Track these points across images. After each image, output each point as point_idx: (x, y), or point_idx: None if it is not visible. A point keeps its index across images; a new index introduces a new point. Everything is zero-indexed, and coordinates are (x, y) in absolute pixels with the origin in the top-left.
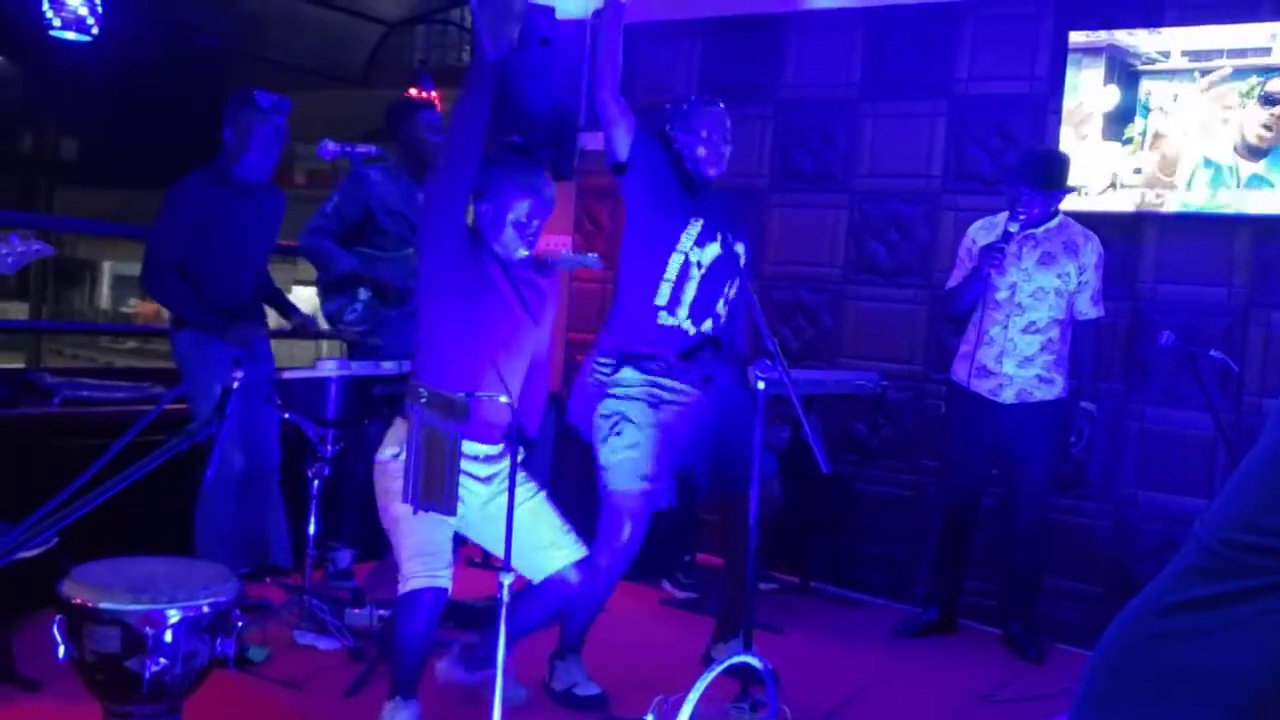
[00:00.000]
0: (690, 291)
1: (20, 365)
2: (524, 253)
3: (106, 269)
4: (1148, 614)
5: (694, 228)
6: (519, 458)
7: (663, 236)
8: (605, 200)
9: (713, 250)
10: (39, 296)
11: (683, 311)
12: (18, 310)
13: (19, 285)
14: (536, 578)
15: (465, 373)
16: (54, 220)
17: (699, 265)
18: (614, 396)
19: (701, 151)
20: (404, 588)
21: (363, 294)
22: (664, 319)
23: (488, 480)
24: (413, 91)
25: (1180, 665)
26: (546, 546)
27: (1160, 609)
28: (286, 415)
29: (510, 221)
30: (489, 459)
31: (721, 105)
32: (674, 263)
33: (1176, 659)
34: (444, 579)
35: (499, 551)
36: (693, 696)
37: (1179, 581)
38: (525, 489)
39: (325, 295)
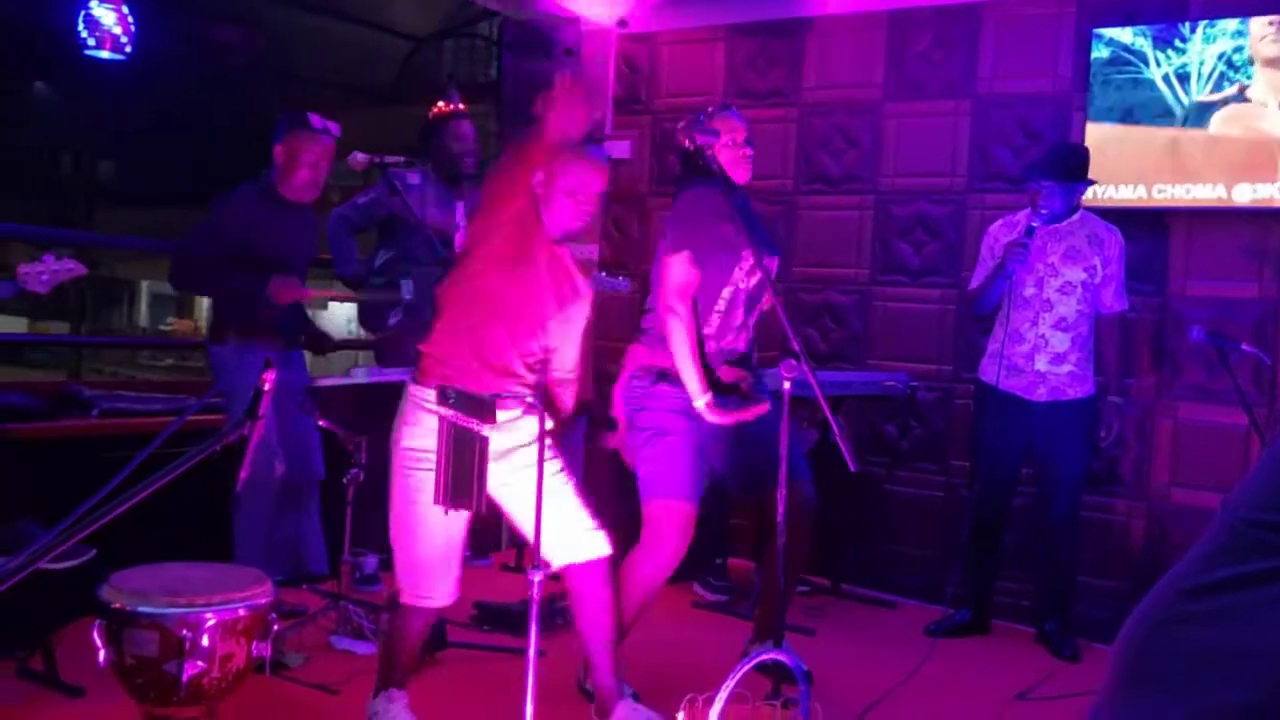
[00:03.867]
0: (738, 317)
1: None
2: (575, 227)
3: (144, 288)
4: (1174, 597)
5: (746, 263)
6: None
7: (717, 275)
8: (632, 210)
9: (755, 276)
10: (78, 316)
11: (729, 335)
12: (58, 329)
13: (57, 305)
14: (555, 562)
15: (477, 331)
16: (84, 236)
17: (745, 292)
18: (649, 410)
19: (728, 155)
20: (397, 596)
21: (406, 293)
22: (710, 344)
23: (506, 455)
24: (441, 105)
25: (1210, 647)
26: (563, 532)
27: (1187, 591)
28: (321, 423)
29: (563, 189)
30: (504, 424)
31: (731, 107)
32: (725, 295)
33: (1206, 641)
34: (433, 600)
35: (525, 528)
36: (723, 694)
37: (1205, 564)
38: (549, 467)
39: (368, 300)
